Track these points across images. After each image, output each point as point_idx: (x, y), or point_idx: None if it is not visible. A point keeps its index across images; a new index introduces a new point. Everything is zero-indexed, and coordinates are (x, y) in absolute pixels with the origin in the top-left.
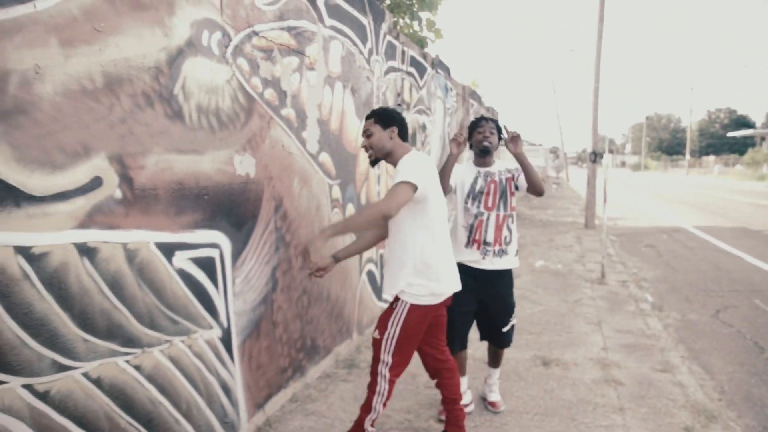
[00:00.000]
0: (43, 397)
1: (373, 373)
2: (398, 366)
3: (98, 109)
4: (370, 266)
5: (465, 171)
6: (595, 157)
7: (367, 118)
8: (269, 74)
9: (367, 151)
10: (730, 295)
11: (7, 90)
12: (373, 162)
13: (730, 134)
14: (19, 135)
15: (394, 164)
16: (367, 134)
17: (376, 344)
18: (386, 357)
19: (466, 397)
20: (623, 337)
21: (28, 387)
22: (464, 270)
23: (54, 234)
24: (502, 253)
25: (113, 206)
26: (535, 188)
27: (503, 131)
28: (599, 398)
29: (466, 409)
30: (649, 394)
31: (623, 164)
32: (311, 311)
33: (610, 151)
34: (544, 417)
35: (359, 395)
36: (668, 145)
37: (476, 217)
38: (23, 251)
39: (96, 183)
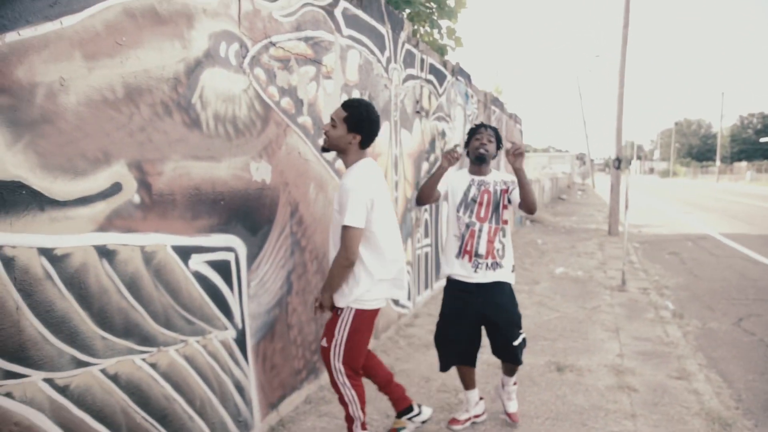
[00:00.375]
0: (63, 391)
1: (334, 385)
2: (351, 370)
3: (119, 118)
4: None
5: (458, 178)
6: (619, 163)
7: (343, 107)
8: (286, 83)
9: (324, 134)
10: (755, 303)
11: (35, 101)
12: (324, 149)
13: (763, 140)
14: (44, 143)
15: (345, 165)
16: (332, 123)
17: (325, 353)
18: (337, 364)
19: (479, 407)
20: (640, 345)
21: (49, 381)
22: (457, 286)
23: (75, 236)
24: (496, 266)
25: (132, 210)
26: (527, 206)
27: (503, 142)
28: (611, 404)
29: (479, 419)
30: (663, 401)
31: (651, 170)
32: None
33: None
34: (555, 422)
35: (372, 398)
36: (698, 151)
37: (468, 227)
38: (46, 253)
39: (116, 188)
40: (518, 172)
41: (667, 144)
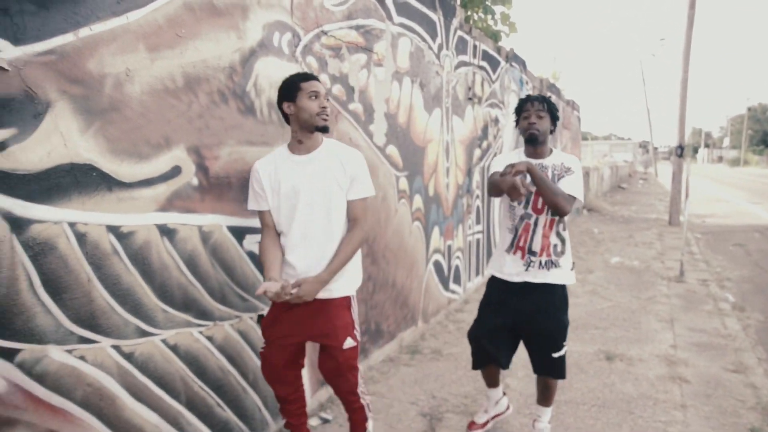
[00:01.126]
0: (129, 357)
1: (354, 395)
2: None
3: (178, 106)
4: (437, 256)
5: (512, 161)
6: (681, 151)
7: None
8: (337, 71)
9: (323, 112)
10: None
11: (104, 91)
12: (324, 128)
13: None
14: (112, 129)
15: (314, 147)
16: (326, 96)
17: (353, 355)
18: (359, 365)
19: (501, 405)
20: (695, 336)
21: (116, 348)
22: (501, 284)
23: (139, 215)
24: (551, 264)
25: (190, 192)
26: (550, 206)
27: (558, 114)
28: (661, 394)
29: (502, 417)
30: (716, 394)
31: (720, 159)
32: (376, 297)
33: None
34: (601, 409)
35: (420, 379)
36: None
37: (522, 219)
38: (113, 230)
39: (175, 171)
40: (529, 173)
41: (739, 131)
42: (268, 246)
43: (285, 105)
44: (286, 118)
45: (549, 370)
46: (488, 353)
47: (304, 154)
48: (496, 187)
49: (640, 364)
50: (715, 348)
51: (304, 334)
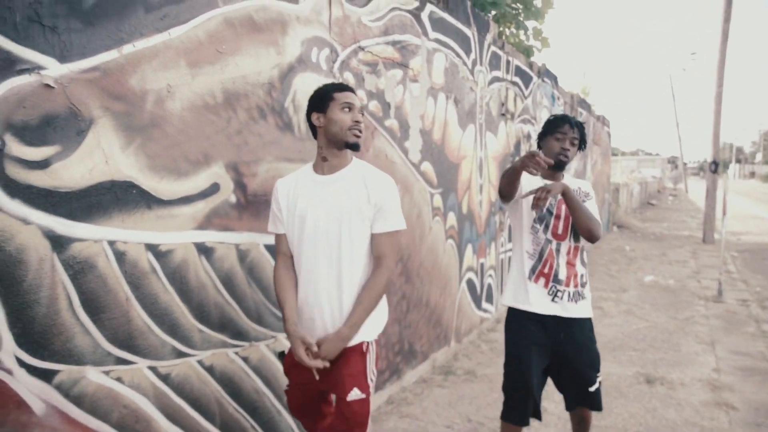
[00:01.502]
0: (165, 379)
1: None
2: None
3: (218, 122)
4: (470, 275)
5: (527, 181)
6: (716, 167)
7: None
8: (374, 87)
9: (356, 127)
10: None
11: (145, 107)
12: (355, 146)
13: None
14: (153, 146)
15: (341, 166)
16: (361, 110)
17: (364, 407)
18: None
19: None
20: (739, 360)
21: (152, 369)
22: (527, 317)
23: (177, 233)
24: (578, 296)
25: (228, 210)
26: (584, 232)
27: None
28: (707, 421)
29: None
30: (767, 423)
31: (752, 174)
32: (410, 316)
33: (737, 161)
34: None
35: (454, 401)
36: None
37: (548, 243)
38: (152, 248)
39: (214, 188)
40: (564, 197)
41: None
42: (283, 278)
43: (314, 116)
44: (314, 131)
45: (589, 402)
46: (533, 405)
47: (327, 174)
48: (510, 180)
49: (682, 389)
50: (761, 373)
51: (321, 381)
